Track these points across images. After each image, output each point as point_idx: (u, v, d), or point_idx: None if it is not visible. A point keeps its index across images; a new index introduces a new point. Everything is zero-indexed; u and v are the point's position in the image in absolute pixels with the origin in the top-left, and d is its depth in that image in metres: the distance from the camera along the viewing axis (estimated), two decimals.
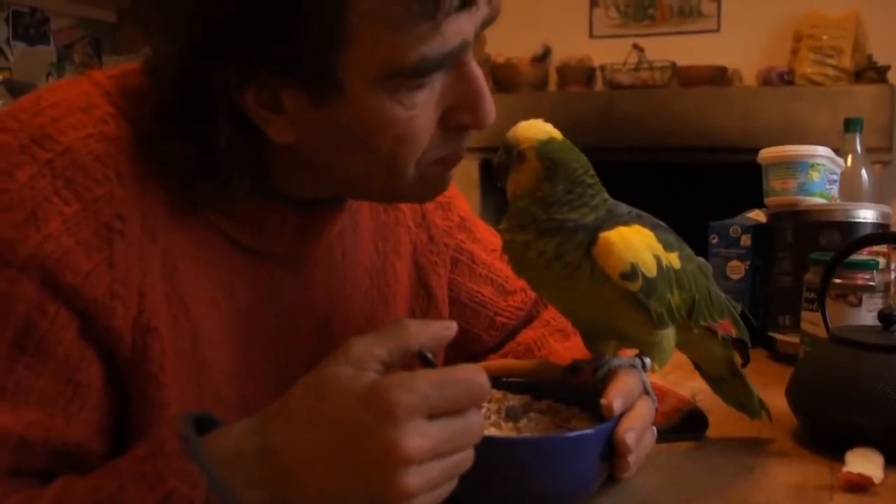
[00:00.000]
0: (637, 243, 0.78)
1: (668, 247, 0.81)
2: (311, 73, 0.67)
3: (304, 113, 0.69)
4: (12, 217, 0.66)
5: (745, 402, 0.96)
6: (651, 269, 0.78)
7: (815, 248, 1.35)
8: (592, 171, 0.80)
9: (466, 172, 3.37)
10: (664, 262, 0.79)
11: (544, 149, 0.77)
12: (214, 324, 0.76)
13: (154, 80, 0.72)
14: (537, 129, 0.78)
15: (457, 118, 0.73)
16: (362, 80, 0.67)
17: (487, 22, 0.72)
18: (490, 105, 0.73)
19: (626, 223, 0.79)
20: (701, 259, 0.87)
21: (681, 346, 0.90)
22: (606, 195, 0.80)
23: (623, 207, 0.81)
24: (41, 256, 0.66)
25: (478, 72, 0.73)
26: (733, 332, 0.90)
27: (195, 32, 0.66)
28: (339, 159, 0.74)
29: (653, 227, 0.81)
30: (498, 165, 0.80)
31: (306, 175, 0.77)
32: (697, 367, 0.97)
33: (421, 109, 0.70)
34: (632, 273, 0.77)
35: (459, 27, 0.68)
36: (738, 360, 0.93)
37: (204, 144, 0.70)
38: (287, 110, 0.70)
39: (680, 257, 0.82)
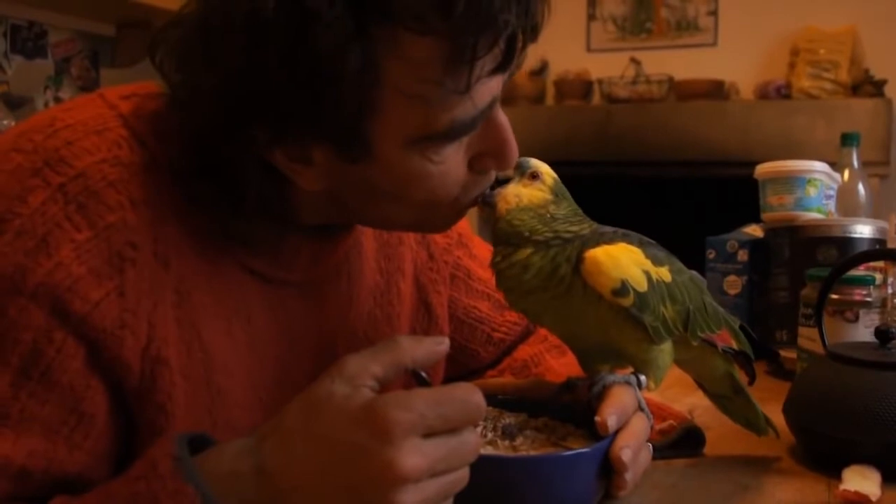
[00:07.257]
0: (624, 260, 0.78)
1: (656, 261, 0.81)
2: (342, 136, 0.67)
3: (334, 166, 0.70)
4: (24, 243, 0.65)
5: (750, 420, 0.96)
6: (641, 284, 0.78)
7: (812, 264, 1.35)
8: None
9: None
10: (654, 276, 0.80)
11: (556, 184, 0.81)
12: (229, 352, 0.75)
13: (180, 113, 0.70)
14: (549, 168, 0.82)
15: (483, 163, 0.75)
16: (393, 144, 0.68)
17: (512, 73, 0.73)
18: (515, 151, 0.75)
19: (610, 241, 0.79)
20: (693, 272, 0.87)
21: (683, 364, 0.89)
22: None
23: (607, 229, 0.82)
24: (51, 284, 0.65)
25: (504, 120, 0.74)
26: (734, 345, 0.90)
27: (231, 90, 0.65)
28: (372, 205, 0.75)
29: (640, 244, 0.81)
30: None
31: (334, 211, 0.77)
32: (701, 386, 0.97)
33: (450, 161, 0.72)
34: (622, 289, 0.77)
35: (490, 87, 0.69)
36: (742, 377, 0.93)
37: (234, 192, 0.70)
38: (317, 164, 0.70)
39: (670, 271, 0.82)
